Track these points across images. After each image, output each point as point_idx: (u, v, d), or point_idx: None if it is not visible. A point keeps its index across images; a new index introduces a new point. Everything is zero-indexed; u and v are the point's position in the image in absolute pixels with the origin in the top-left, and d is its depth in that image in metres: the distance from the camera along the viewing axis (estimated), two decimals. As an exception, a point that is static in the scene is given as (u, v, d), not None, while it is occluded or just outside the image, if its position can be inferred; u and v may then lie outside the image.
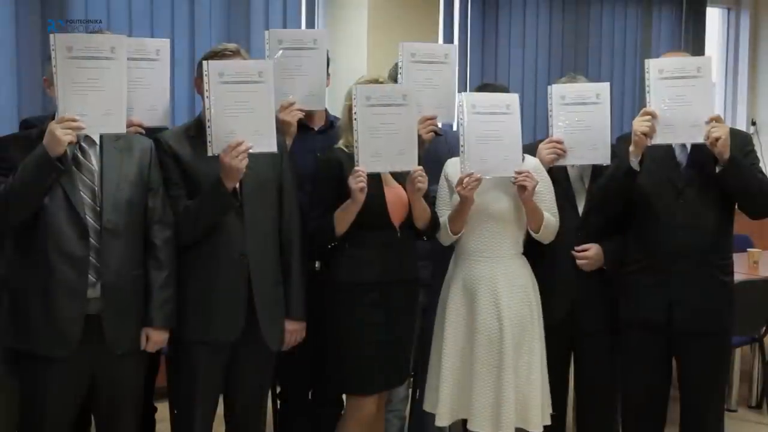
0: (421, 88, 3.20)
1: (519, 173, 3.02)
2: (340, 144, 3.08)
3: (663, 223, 3.05)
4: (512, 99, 3.12)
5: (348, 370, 3.02)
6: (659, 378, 3.19)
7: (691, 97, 2.99)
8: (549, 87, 3.32)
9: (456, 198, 3.09)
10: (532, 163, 3.15)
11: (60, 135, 2.49)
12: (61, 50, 2.52)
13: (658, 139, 3.01)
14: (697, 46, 6.64)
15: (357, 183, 2.87)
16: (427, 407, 3.23)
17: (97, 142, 2.68)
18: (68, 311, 2.59)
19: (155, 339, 2.73)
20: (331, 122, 3.39)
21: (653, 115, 2.99)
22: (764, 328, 4.54)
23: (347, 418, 3.09)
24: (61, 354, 2.60)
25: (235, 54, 2.85)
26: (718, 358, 3.17)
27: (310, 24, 5.15)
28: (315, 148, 3.26)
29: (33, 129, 2.70)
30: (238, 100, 2.71)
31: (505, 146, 3.05)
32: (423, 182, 2.98)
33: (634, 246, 3.17)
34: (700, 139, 2.97)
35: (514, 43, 5.90)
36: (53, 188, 2.58)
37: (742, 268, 4.45)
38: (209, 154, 2.70)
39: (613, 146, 3.26)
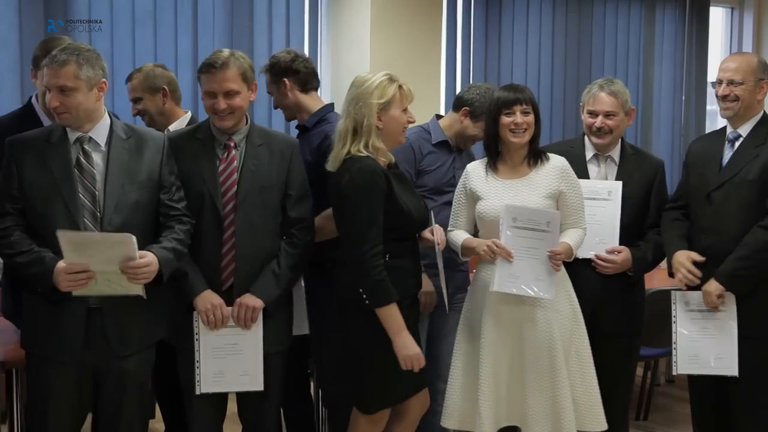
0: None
1: (553, 253, 2.93)
2: (365, 151, 2.78)
3: (693, 227, 3.01)
4: (554, 217, 2.98)
5: (396, 381, 2.86)
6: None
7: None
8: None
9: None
10: (559, 162, 3.08)
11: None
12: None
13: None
14: (700, 46, 6.63)
15: None
16: (445, 423, 3.12)
17: (102, 144, 2.66)
18: (70, 315, 2.60)
19: (149, 260, 2.57)
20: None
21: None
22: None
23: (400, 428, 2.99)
24: (64, 358, 2.62)
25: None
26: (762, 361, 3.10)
27: (313, 23, 5.15)
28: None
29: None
30: (227, 342, 2.82)
31: (541, 263, 2.96)
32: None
33: None
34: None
35: (517, 42, 5.89)
36: (52, 197, 2.58)
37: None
38: (197, 393, 2.81)
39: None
